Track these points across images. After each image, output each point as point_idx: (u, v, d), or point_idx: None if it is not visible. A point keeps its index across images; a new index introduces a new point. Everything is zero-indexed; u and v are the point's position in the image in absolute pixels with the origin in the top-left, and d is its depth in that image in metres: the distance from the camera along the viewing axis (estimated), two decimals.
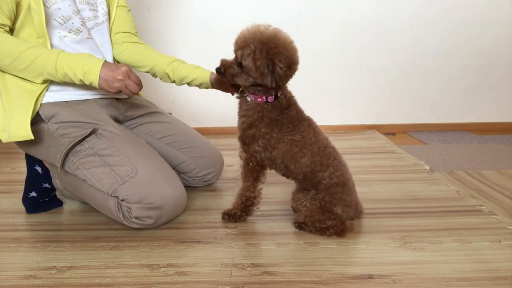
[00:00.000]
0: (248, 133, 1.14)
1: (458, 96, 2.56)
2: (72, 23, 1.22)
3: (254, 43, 1.01)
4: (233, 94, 1.29)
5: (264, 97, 1.11)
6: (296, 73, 1.08)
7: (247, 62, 1.03)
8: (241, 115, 1.16)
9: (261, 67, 1.02)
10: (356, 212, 1.16)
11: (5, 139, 1.16)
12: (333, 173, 1.10)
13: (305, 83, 2.46)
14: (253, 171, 1.16)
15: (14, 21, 1.12)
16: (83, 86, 1.25)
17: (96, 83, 1.10)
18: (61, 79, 1.11)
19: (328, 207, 1.11)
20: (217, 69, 1.11)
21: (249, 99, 1.14)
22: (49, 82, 1.18)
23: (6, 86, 1.15)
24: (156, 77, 1.44)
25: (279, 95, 1.12)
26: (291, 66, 1.04)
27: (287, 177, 1.19)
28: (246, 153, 1.16)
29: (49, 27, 1.17)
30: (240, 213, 1.21)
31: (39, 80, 1.13)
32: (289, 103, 1.13)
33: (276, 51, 1.01)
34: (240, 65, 1.06)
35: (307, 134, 1.12)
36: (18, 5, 1.11)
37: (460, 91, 2.55)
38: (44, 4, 1.13)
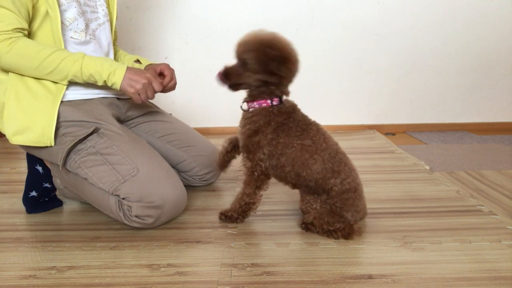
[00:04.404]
0: (253, 140, 1.11)
1: (458, 96, 2.56)
2: (77, 24, 1.24)
3: (255, 44, 1.04)
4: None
5: (269, 101, 1.10)
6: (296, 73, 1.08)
7: (251, 60, 1.04)
8: (245, 122, 1.13)
9: (261, 64, 1.03)
10: (364, 216, 1.17)
11: (19, 141, 1.18)
12: (345, 180, 1.09)
13: (305, 83, 2.45)
14: (257, 180, 1.15)
15: (29, 24, 1.16)
16: (87, 85, 1.26)
17: (119, 84, 1.17)
18: (85, 80, 1.17)
19: (338, 212, 1.10)
20: (220, 74, 1.09)
21: (251, 108, 1.12)
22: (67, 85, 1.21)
23: (24, 88, 1.17)
24: None
25: (283, 98, 1.12)
26: (289, 64, 1.04)
27: (298, 187, 1.17)
28: (250, 162, 1.13)
29: None
30: (237, 216, 1.20)
31: (65, 82, 1.19)
32: (294, 109, 1.14)
33: (274, 50, 1.02)
34: (243, 65, 1.06)
35: (318, 139, 1.10)
36: (34, 9, 1.15)
37: (460, 91, 2.55)
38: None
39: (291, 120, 1.11)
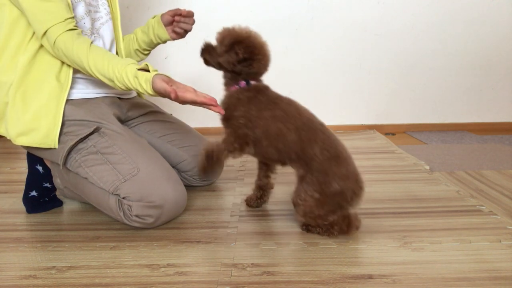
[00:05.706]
0: (228, 112, 1.17)
1: (458, 96, 2.56)
2: (84, 23, 1.25)
3: (226, 33, 1.16)
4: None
5: (236, 86, 1.19)
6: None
7: (217, 44, 1.17)
8: (222, 104, 1.21)
9: (223, 48, 1.15)
10: (357, 185, 1.09)
11: (23, 142, 1.18)
12: (323, 147, 1.08)
13: (305, 83, 2.46)
14: (234, 142, 1.17)
15: None
16: (89, 84, 1.27)
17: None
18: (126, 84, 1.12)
19: (325, 189, 1.06)
20: (202, 47, 1.23)
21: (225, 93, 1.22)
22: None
23: (29, 89, 1.17)
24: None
25: (251, 83, 1.18)
26: (250, 58, 1.12)
27: (283, 163, 1.17)
28: (226, 129, 1.19)
29: None
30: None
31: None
32: (266, 87, 1.19)
33: (239, 41, 1.12)
34: (216, 47, 1.19)
35: (289, 110, 1.13)
36: None
37: (460, 91, 2.55)
38: None
39: (261, 95, 1.16)
